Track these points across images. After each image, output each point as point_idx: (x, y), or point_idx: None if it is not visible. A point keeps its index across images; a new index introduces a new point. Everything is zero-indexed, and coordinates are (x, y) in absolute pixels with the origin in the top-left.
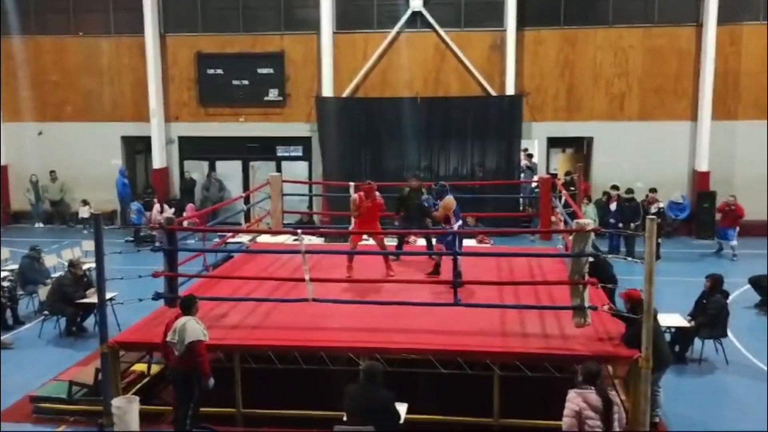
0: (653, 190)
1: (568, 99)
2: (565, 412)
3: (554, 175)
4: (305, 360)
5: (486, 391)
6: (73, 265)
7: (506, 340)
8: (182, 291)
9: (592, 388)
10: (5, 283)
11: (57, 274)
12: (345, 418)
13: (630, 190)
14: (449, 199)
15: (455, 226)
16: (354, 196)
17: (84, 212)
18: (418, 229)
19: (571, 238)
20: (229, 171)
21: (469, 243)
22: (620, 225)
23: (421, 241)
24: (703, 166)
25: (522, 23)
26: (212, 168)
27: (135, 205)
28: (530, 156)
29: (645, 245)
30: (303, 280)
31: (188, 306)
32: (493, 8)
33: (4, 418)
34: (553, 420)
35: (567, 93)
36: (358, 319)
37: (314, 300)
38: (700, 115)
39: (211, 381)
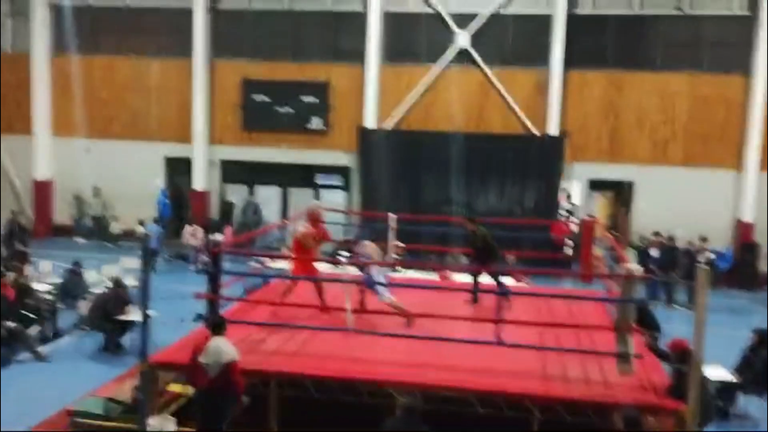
0: (704, 239)
1: (611, 142)
2: None
3: (595, 218)
4: (343, 391)
5: None
6: (117, 283)
7: (547, 384)
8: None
9: None
10: (46, 296)
11: (97, 290)
12: None
13: (671, 238)
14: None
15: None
16: (304, 231)
17: (115, 228)
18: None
19: (618, 283)
20: (268, 196)
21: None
22: (661, 272)
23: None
24: (747, 217)
25: (568, 64)
26: (251, 192)
27: (154, 228)
28: (569, 197)
29: (696, 295)
30: (344, 309)
31: (219, 327)
32: (539, 48)
33: (40, 429)
34: None
35: (610, 136)
36: (398, 352)
37: (354, 330)
38: (745, 164)
39: (244, 397)
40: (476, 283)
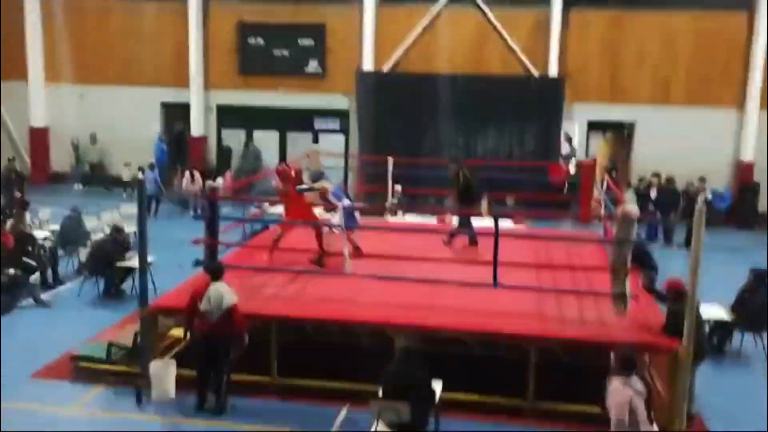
0: (702, 180)
1: (611, 82)
2: (616, 401)
3: (594, 160)
4: (342, 334)
5: (520, 374)
6: (117, 230)
7: (544, 324)
8: (220, 259)
9: (635, 374)
10: (46, 243)
11: (97, 236)
12: (381, 394)
13: (671, 179)
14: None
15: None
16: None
17: (125, 174)
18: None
19: (614, 224)
20: (266, 141)
21: (504, 224)
22: (659, 213)
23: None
24: (747, 156)
25: (568, 3)
26: (249, 137)
27: (150, 174)
28: (570, 139)
29: (693, 235)
30: (342, 254)
31: (219, 272)
32: None
33: (43, 374)
34: (585, 404)
35: (611, 76)
36: (396, 295)
37: (352, 274)
38: (747, 103)
39: (246, 338)
40: (465, 225)
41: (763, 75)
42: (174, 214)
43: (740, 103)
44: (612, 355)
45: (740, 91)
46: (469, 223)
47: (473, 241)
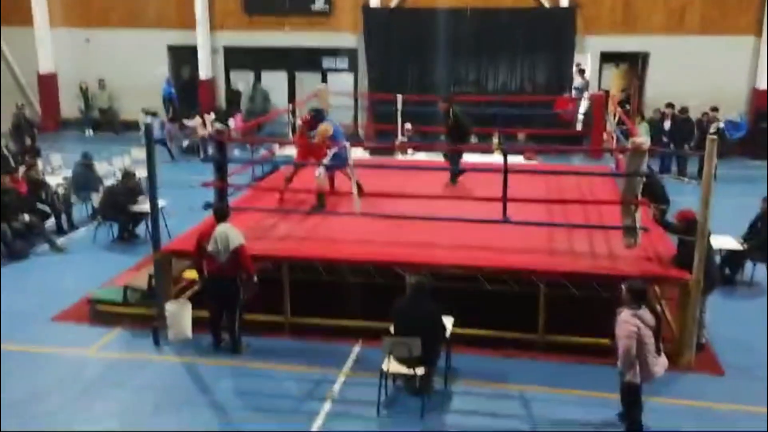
0: (714, 109)
1: (624, 12)
2: (623, 332)
3: (607, 92)
4: (353, 273)
5: (531, 307)
6: (126, 175)
7: (554, 259)
8: (230, 202)
9: (644, 306)
10: (60, 189)
11: (109, 182)
12: (392, 330)
13: (684, 109)
14: (325, 126)
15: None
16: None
17: (147, 119)
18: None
19: (625, 156)
20: (275, 82)
21: (515, 159)
22: (673, 144)
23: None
24: (763, 84)
25: None
26: (258, 79)
27: (156, 120)
28: (582, 71)
29: (704, 165)
30: (350, 193)
31: (224, 214)
32: None
33: (62, 318)
34: (595, 336)
35: (623, 5)
36: (406, 233)
37: (361, 213)
38: (764, 29)
39: (255, 278)
40: (454, 162)
41: None
42: (185, 158)
43: (757, 30)
44: (622, 287)
45: (757, 18)
46: (457, 161)
47: (454, 179)
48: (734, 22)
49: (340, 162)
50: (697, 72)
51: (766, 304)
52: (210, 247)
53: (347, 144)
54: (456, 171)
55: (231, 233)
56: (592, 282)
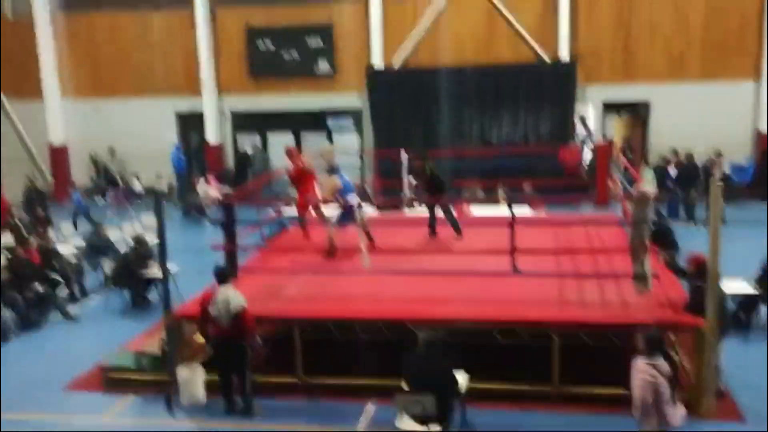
0: (718, 154)
1: (624, 61)
2: (639, 382)
3: (611, 141)
4: (364, 330)
5: (545, 359)
6: (139, 242)
7: (566, 309)
8: (240, 264)
9: (661, 356)
10: (71, 258)
11: (123, 249)
12: (405, 387)
13: (690, 155)
14: (334, 180)
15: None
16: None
17: (137, 186)
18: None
19: (631, 204)
20: (281, 144)
21: (522, 211)
22: (680, 190)
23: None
24: (765, 127)
25: None
26: (264, 140)
27: (75, 194)
28: (585, 122)
29: (710, 210)
30: (360, 250)
31: (225, 277)
32: None
33: (75, 386)
34: (611, 386)
35: (623, 54)
36: (416, 289)
37: (371, 270)
38: (763, 73)
39: (258, 340)
40: (433, 216)
41: None
42: (194, 222)
43: (756, 74)
44: (637, 335)
45: (755, 62)
46: (435, 214)
47: (433, 232)
48: (733, 68)
49: (350, 216)
50: (700, 117)
51: None
52: (213, 311)
53: (356, 199)
54: (434, 224)
55: (232, 296)
56: (605, 331)
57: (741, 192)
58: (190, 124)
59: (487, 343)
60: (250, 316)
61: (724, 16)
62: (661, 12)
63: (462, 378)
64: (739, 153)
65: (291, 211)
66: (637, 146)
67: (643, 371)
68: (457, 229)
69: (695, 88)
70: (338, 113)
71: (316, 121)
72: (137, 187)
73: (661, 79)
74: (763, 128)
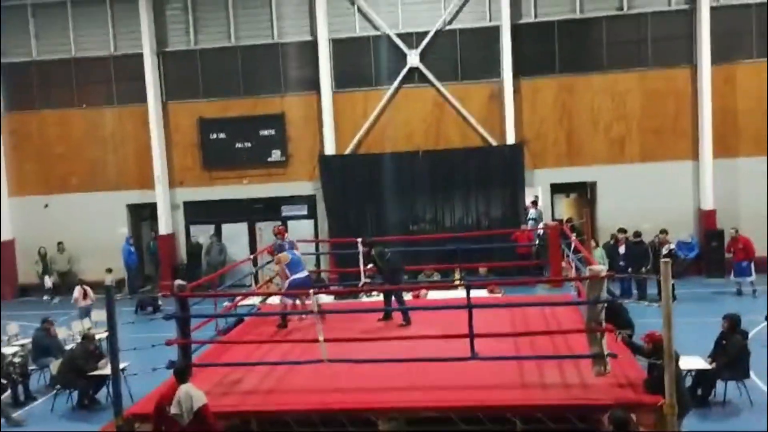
0: (664, 232)
1: (568, 145)
2: None
3: (560, 222)
4: (324, 423)
5: None
6: (86, 337)
7: (526, 393)
8: (195, 358)
9: None
10: (16, 359)
11: (70, 346)
12: None
13: (638, 233)
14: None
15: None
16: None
17: (108, 280)
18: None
19: (585, 284)
20: (235, 233)
21: (479, 294)
22: (630, 268)
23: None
24: (708, 205)
25: (518, 73)
26: (218, 231)
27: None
28: (535, 203)
29: (661, 288)
30: (317, 341)
31: (183, 374)
32: (489, 60)
33: None
34: None
35: (567, 139)
36: (374, 377)
37: (329, 361)
38: (701, 154)
39: None
40: (387, 301)
41: (712, 124)
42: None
43: (694, 154)
44: (603, 417)
45: (693, 143)
46: (390, 300)
47: (387, 316)
48: (671, 149)
49: (300, 286)
50: (643, 197)
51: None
52: (173, 410)
53: (304, 273)
54: (389, 311)
55: (194, 393)
56: (567, 413)
57: (689, 268)
58: (143, 215)
59: (449, 430)
60: (211, 413)
61: (660, 100)
62: (599, 99)
63: None
64: (683, 230)
65: (247, 301)
66: (586, 226)
67: None
68: (405, 317)
69: (637, 168)
70: (292, 200)
71: (271, 209)
72: (47, 283)
73: (603, 161)
74: (704, 206)
